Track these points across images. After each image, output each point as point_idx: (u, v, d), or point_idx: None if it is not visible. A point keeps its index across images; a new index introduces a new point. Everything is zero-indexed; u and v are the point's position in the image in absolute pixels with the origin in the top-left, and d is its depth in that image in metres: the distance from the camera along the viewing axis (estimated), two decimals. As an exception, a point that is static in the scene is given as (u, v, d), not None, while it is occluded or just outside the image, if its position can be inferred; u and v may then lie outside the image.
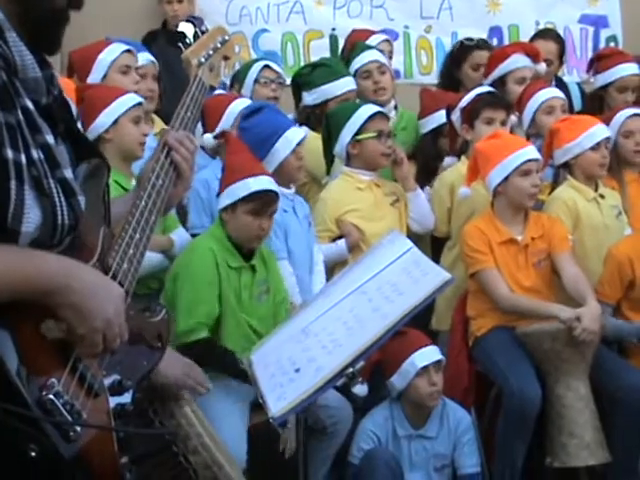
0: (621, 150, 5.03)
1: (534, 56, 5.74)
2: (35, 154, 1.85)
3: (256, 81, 5.42)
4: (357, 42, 5.81)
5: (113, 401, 1.98)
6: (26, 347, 1.79)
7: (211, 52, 2.77)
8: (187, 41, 2.79)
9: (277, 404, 2.72)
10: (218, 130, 4.80)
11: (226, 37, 2.85)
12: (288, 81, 5.74)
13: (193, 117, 2.55)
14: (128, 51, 4.90)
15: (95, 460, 1.85)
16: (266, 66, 5.52)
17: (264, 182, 4.13)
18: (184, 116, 2.53)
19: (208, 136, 4.68)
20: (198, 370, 3.73)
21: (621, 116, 5.13)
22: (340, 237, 4.83)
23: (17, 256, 1.80)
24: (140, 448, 2.01)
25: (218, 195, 4.19)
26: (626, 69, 5.75)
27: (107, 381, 1.97)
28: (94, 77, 4.79)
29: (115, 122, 4.29)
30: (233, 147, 4.23)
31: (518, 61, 5.65)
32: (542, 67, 5.78)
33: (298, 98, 5.41)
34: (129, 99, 4.37)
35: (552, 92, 5.35)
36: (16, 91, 1.85)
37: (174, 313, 3.94)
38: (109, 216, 2.16)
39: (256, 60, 5.51)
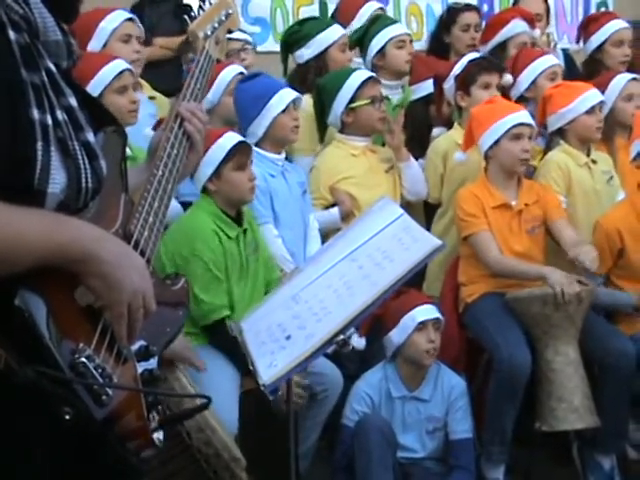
0: (620, 114, 5.01)
1: (530, 21, 5.74)
2: (60, 116, 1.84)
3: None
4: (380, 14, 5.81)
5: (140, 367, 1.98)
6: (58, 312, 1.79)
7: (217, 25, 2.78)
8: (192, 14, 2.79)
9: (268, 371, 2.73)
10: (210, 95, 4.78)
11: (230, 10, 2.85)
12: (277, 48, 5.72)
13: (202, 88, 2.58)
14: (130, 19, 4.87)
15: (126, 424, 1.85)
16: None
17: (233, 137, 4.18)
18: (194, 87, 2.56)
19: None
20: (191, 343, 3.79)
21: (621, 79, 5.13)
22: (334, 205, 4.83)
23: (53, 222, 1.79)
24: (169, 412, 2.02)
25: (192, 178, 4.19)
26: (618, 24, 5.78)
27: (134, 347, 1.97)
28: (94, 45, 4.75)
29: (100, 96, 4.27)
30: None
31: (518, 26, 5.68)
32: (536, 32, 5.78)
33: (286, 61, 5.38)
34: (110, 70, 4.29)
35: (555, 59, 5.39)
36: (39, 53, 1.84)
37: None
38: (127, 184, 2.17)
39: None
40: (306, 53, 5.27)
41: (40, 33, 1.85)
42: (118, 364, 1.89)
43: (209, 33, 2.73)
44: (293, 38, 5.37)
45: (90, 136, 1.92)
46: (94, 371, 1.79)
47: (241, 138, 4.24)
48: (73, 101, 1.90)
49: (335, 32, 5.29)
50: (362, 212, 4.61)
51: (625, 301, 4.61)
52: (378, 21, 5.62)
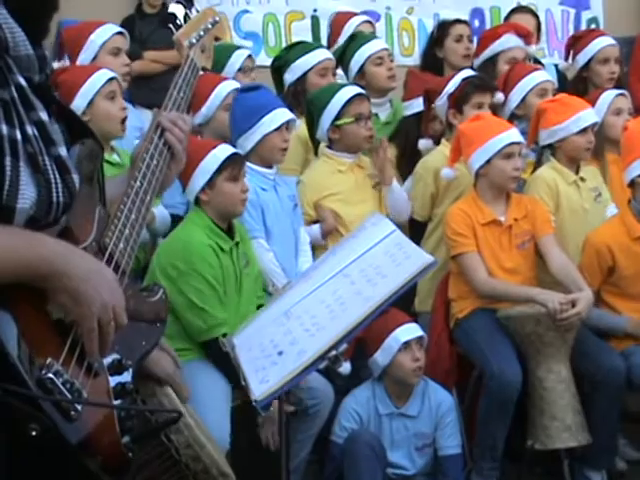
0: (610, 129, 5.01)
1: (525, 37, 5.75)
2: (30, 130, 1.84)
3: (239, 69, 5.38)
4: (359, 31, 5.81)
5: (113, 380, 1.97)
6: (28, 328, 1.79)
7: (202, 33, 2.76)
8: (178, 22, 2.78)
9: (260, 387, 2.72)
10: (205, 109, 4.79)
11: (217, 18, 2.84)
12: (269, 62, 5.73)
13: (185, 98, 2.55)
14: (120, 33, 4.89)
15: (98, 439, 1.85)
16: (249, 55, 5.51)
17: (227, 148, 4.20)
18: (177, 97, 2.52)
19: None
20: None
21: (609, 94, 5.14)
22: (317, 221, 4.83)
23: (19, 239, 1.79)
24: (141, 427, 2.01)
25: (184, 190, 4.18)
26: (603, 41, 5.77)
27: (106, 360, 1.97)
28: (84, 58, 4.79)
29: (90, 102, 4.29)
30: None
31: (509, 41, 5.66)
32: (533, 48, 5.79)
33: (279, 84, 5.39)
34: (100, 77, 4.37)
35: (545, 75, 5.37)
36: (9, 68, 1.84)
37: (187, 311, 3.99)
38: (104, 196, 2.16)
39: (236, 47, 5.49)
40: (288, 78, 5.29)
41: (10, 48, 1.84)
42: (89, 378, 1.88)
43: (194, 41, 2.71)
44: (279, 63, 5.40)
45: (62, 150, 1.92)
46: (62, 386, 1.79)
47: (235, 150, 4.25)
48: (44, 115, 1.90)
49: (315, 57, 5.27)
50: (348, 229, 4.67)
51: (618, 326, 4.61)
52: (356, 39, 5.61)
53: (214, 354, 4.00)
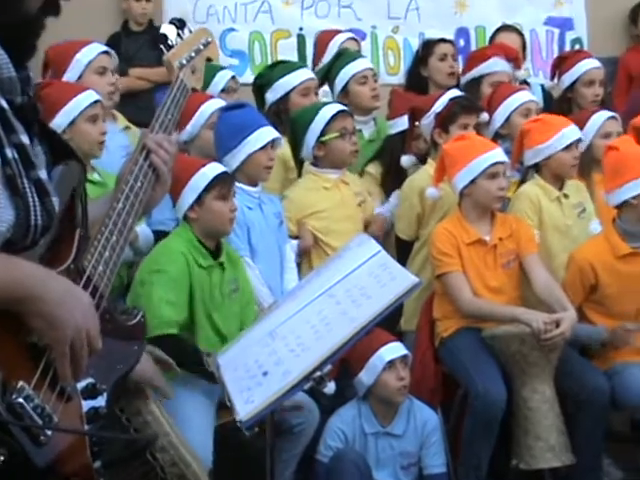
0: (598, 151, 5.01)
1: (515, 60, 5.77)
2: (9, 153, 1.84)
3: (222, 90, 5.39)
4: (345, 49, 5.81)
5: (87, 405, 1.97)
6: (0, 351, 1.78)
7: (193, 54, 2.74)
8: (169, 43, 2.77)
9: (245, 407, 2.73)
10: (189, 127, 4.80)
11: (209, 39, 2.83)
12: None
13: (173, 119, 2.53)
14: (105, 52, 4.90)
15: (68, 464, 1.84)
16: (232, 76, 5.52)
17: (216, 167, 4.21)
18: (164, 118, 2.50)
19: None
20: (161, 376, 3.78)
21: (599, 117, 5.16)
22: (297, 237, 4.84)
23: None
24: (113, 452, 2.00)
25: (174, 205, 4.19)
26: (589, 63, 5.80)
27: (80, 384, 1.96)
28: (70, 76, 4.78)
29: (72, 122, 4.29)
30: None
31: (496, 64, 5.68)
32: (521, 73, 5.82)
33: (260, 102, 5.40)
34: (85, 98, 4.36)
35: (529, 95, 5.39)
36: None
37: (145, 308, 3.91)
38: (86, 218, 2.15)
39: (220, 67, 5.51)
40: (270, 97, 5.29)
41: None
42: (60, 403, 1.87)
43: (185, 62, 2.70)
44: (261, 81, 5.40)
45: (42, 173, 1.91)
46: (32, 411, 1.78)
47: (224, 169, 4.26)
48: (25, 138, 1.89)
49: (297, 77, 5.27)
50: (333, 245, 4.68)
51: (595, 336, 4.62)
52: (341, 57, 5.62)
53: (171, 354, 3.89)
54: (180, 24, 2.80)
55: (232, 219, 4.19)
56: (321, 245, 4.83)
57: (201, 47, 2.78)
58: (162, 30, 2.78)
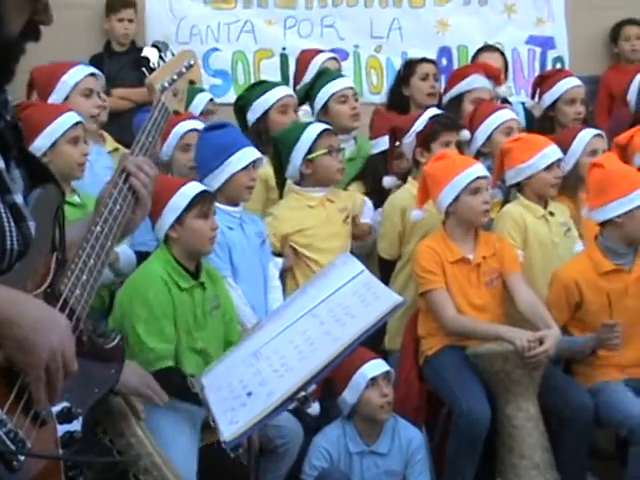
0: (584, 169, 4.99)
1: (495, 78, 5.80)
2: None
3: (201, 113, 5.40)
4: (326, 68, 5.84)
5: (62, 429, 1.96)
6: None
7: (175, 77, 2.73)
8: (151, 65, 2.77)
9: (229, 428, 2.72)
10: (164, 149, 4.81)
11: (192, 62, 2.83)
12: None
13: (154, 142, 2.52)
14: (92, 74, 4.90)
15: None
16: (210, 99, 5.54)
17: (196, 186, 4.21)
18: (144, 141, 2.49)
19: None
20: (153, 380, 3.76)
21: (586, 135, 5.18)
22: (280, 255, 4.84)
23: None
24: (97, 473, 2.00)
25: (154, 226, 4.19)
26: (570, 82, 5.83)
27: (55, 408, 1.95)
28: (55, 98, 4.79)
29: (53, 144, 4.29)
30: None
31: (476, 81, 5.72)
32: (502, 90, 5.85)
33: (242, 123, 5.41)
34: (66, 120, 4.36)
35: (511, 114, 5.42)
36: None
37: (133, 341, 3.95)
38: (64, 241, 2.14)
39: (198, 90, 5.52)
40: (251, 117, 5.31)
41: None
42: (34, 427, 1.87)
43: (167, 85, 2.70)
44: (242, 102, 5.43)
45: (17, 198, 1.91)
46: (4, 436, 1.77)
47: (204, 187, 4.26)
48: (0, 163, 1.89)
49: (275, 94, 5.30)
50: (319, 263, 4.69)
51: (581, 343, 4.62)
52: (323, 76, 5.64)
53: (163, 386, 3.94)
54: (162, 47, 2.80)
55: (212, 238, 4.18)
56: (307, 262, 4.84)
57: (183, 70, 2.77)
58: (144, 53, 2.78)
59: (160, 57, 2.76)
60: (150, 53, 2.76)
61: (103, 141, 5.09)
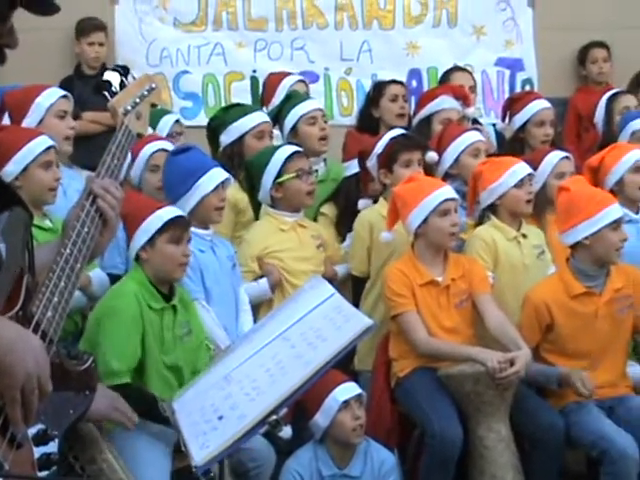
0: (551, 191, 5.05)
1: (464, 99, 5.84)
2: None
3: (168, 135, 5.40)
4: (294, 91, 5.87)
5: (38, 451, 1.95)
6: None
7: (138, 100, 2.77)
8: (113, 89, 2.79)
9: (200, 453, 2.70)
10: (132, 172, 4.80)
11: (153, 85, 2.86)
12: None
13: (119, 165, 2.55)
14: (64, 96, 4.90)
15: None
16: (176, 120, 5.54)
17: (172, 210, 4.20)
18: (110, 164, 2.52)
19: None
20: (123, 402, 3.74)
21: (554, 157, 5.21)
22: (262, 276, 4.85)
23: None
24: None
25: (128, 246, 4.19)
26: (539, 104, 5.88)
27: (31, 431, 1.95)
28: (30, 121, 4.77)
29: (25, 169, 4.27)
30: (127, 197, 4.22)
31: (445, 102, 5.76)
32: (470, 111, 5.89)
33: (214, 144, 5.41)
34: (38, 144, 4.33)
35: (478, 135, 5.45)
36: None
37: (96, 354, 3.90)
38: (33, 263, 2.14)
39: (165, 112, 5.52)
40: (225, 139, 5.31)
41: None
42: (11, 449, 1.87)
43: (129, 108, 2.72)
44: (215, 123, 5.43)
45: None
46: None
47: (180, 212, 4.25)
48: None
49: (252, 120, 5.31)
50: (292, 286, 4.70)
51: (549, 377, 4.63)
52: (291, 98, 5.67)
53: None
54: (124, 71, 2.82)
55: (183, 264, 4.16)
56: (281, 285, 4.84)
57: (145, 93, 2.80)
58: (105, 77, 2.80)
59: (122, 81, 2.78)
60: (112, 77, 2.78)
61: (72, 163, 5.08)
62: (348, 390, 4.35)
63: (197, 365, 4.15)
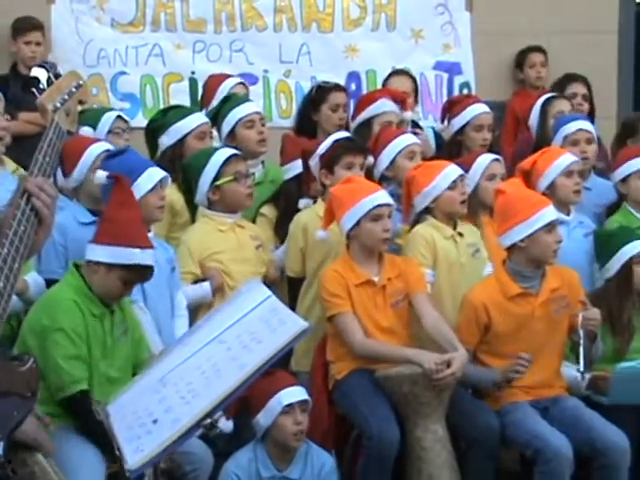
0: (483, 193, 5.12)
1: (402, 102, 5.87)
2: None
3: (110, 131, 5.36)
4: (233, 94, 5.84)
5: None
6: None
7: (66, 97, 2.75)
8: (41, 86, 2.76)
9: (134, 456, 2.70)
10: (76, 173, 4.75)
11: (81, 82, 2.84)
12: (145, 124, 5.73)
13: (51, 162, 2.54)
14: None
15: None
16: (119, 116, 5.50)
17: (148, 256, 4.10)
18: (42, 162, 2.51)
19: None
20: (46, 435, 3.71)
21: (484, 159, 5.25)
22: (204, 279, 4.83)
23: None
24: None
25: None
26: (478, 108, 5.92)
27: None
28: None
29: None
30: (122, 197, 4.17)
31: (384, 106, 5.77)
32: (408, 114, 5.91)
33: (152, 146, 5.38)
34: None
35: (413, 138, 5.47)
36: None
37: (48, 367, 3.90)
38: None
39: (106, 109, 5.47)
40: (165, 141, 5.28)
41: None
42: None
43: (59, 105, 2.70)
44: (155, 125, 5.40)
45: None
46: None
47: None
48: None
49: (193, 121, 5.28)
50: (232, 287, 4.67)
51: (487, 378, 4.68)
52: (228, 101, 5.65)
53: (74, 413, 3.94)
54: (51, 67, 2.80)
55: (122, 296, 4.15)
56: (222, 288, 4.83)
57: (73, 89, 2.78)
58: (33, 73, 2.78)
59: (49, 78, 2.76)
60: (39, 73, 2.76)
61: (2, 164, 5.02)
62: (293, 394, 4.34)
63: (140, 357, 4.15)
